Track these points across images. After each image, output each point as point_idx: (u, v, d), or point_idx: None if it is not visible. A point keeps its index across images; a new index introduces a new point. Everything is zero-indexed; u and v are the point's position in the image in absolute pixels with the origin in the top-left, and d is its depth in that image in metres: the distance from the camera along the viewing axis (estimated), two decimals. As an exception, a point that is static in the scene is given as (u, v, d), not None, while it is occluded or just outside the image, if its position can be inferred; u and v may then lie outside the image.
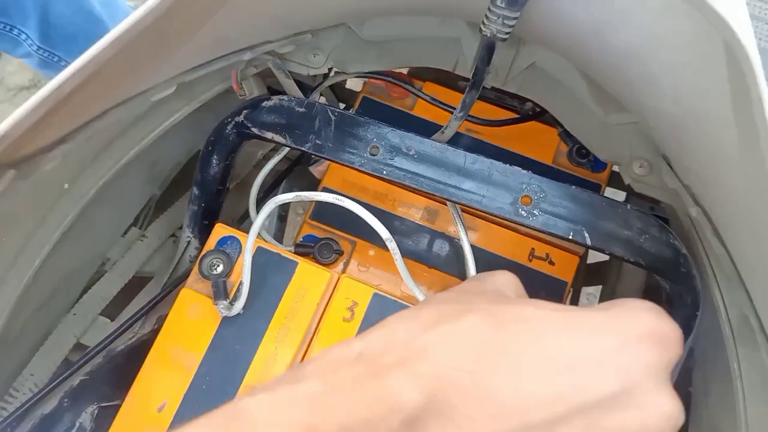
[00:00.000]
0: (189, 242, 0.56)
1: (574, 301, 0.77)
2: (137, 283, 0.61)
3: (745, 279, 0.40)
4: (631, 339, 0.25)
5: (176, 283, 0.54)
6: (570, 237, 0.46)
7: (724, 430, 0.49)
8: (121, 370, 0.52)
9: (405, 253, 0.58)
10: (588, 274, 0.75)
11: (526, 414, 0.24)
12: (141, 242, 0.60)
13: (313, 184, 0.81)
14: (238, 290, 0.48)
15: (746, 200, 0.35)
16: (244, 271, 0.47)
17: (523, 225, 0.46)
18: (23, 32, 0.95)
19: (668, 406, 0.25)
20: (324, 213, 0.62)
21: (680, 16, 0.32)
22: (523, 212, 0.46)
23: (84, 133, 0.38)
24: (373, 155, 0.47)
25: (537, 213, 0.46)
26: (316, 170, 0.85)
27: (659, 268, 0.45)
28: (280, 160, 0.59)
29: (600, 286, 0.71)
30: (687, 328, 0.48)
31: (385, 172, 0.47)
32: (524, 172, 0.47)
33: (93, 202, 0.51)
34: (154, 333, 0.52)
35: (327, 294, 0.50)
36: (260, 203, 0.58)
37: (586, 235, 0.46)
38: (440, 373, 0.24)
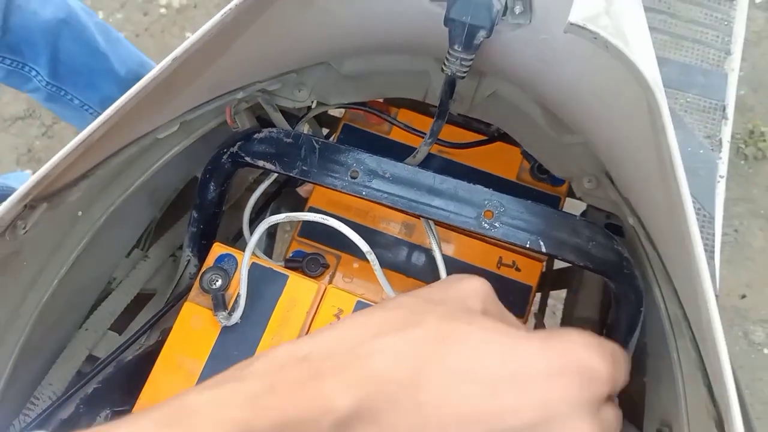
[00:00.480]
0: (189, 261, 0.62)
1: (542, 305, 0.83)
2: (141, 300, 0.66)
3: (672, 277, 0.47)
4: (559, 371, 0.26)
5: (178, 298, 0.60)
6: (527, 246, 0.52)
7: (670, 413, 0.55)
8: (130, 378, 0.57)
9: (385, 264, 0.64)
10: (555, 280, 0.82)
11: (445, 429, 0.25)
12: (144, 262, 0.65)
13: (300, 204, 0.87)
14: (236, 302, 0.54)
15: (665, 210, 0.41)
16: (240, 285, 0.53)
17: (485, 236, 0.53)
18: (34, 69, 1.00)
19: None
20: (311, 230, 0.68)
21: (605, 61, 0.39)
22: (485, 225, 0.53)
23: (102, 169, 0.43)
24: (354, 178, 0.54)
25: (498, 225, 0.53)
26: (302, 190, 0.91)
27: (605, 270, 0.52)
28: (270, 183, 0.65)
29: (565, 290, 0.78)
30: (633, 323, 0.55)
31: (364, 193, 0.54)
32: (486, 189, 0.53)
33: (102, 228, 0.57)
34: (159, 344, 0.57)
35: (315, 303, 0.56)
36: (252, 223, 0.64)
37: (541, 243, 0.52)
38: (375, 382, 0.26)
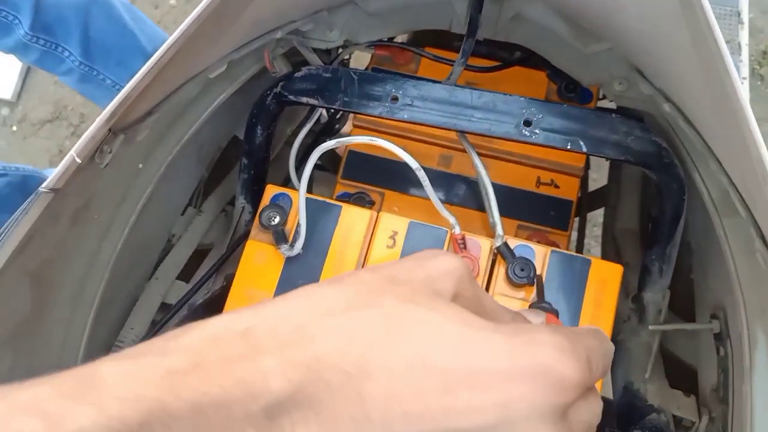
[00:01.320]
0: (243, 208, 0.65)
1: (581, 229, 0.85)
2: (201, 255, 0.70)
3: (715, 151, 0.49)
4: (523, 373, 0.24)
5: (238, 243, 0.63)
6: (568, 147, 0.55)
7: (724, 300, 0.57)
8: (203, 318, 0.60)
9: (426, 195, 0.67)
10: (591, 200, 0.84)
11: (390, 425, 0.23)
12: (199, 217, 0.69)
13: (335, 161, 0.90)
14: (296, 234, 0.57)
15: (702, 83, 0.43)
16: (300, 215, 0.56)
17: (527, 143, 0.55)
18: (66, 49, 1.04)
19: None
20: (353, 171, 0.71)
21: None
22: (526, 132, 0.55)
23: (165, 106, 0.46)
24: (394, 102, 0.56)
25: (538, 131, 0.55)
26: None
27: (646, 162, 0.54)
28: (307, 135, 0.67)
29: (603, 209, 0.80)
30: (678, 212, 0.57)
31: (406, 116, 0.56)
32: (522, 98, 0.56)
33: (160, 182, 0.60)
34: (225, 288, 0.60)
35: (370, 229, 0.58)
36: (297, 170, 0.67)
37: (581, 143, 0.54)
38: (316, 367, 0.23)
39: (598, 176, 1.06)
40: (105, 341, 0.58)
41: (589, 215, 0.85)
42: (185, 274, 0.67)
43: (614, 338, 0.65)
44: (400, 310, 0.25)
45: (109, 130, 0.40)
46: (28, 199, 0.37)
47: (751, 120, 0.35)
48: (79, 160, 0.37)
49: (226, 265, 0.65)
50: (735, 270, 0.53)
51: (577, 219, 0.89)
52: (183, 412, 0.22)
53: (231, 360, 0.23)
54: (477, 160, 0.59)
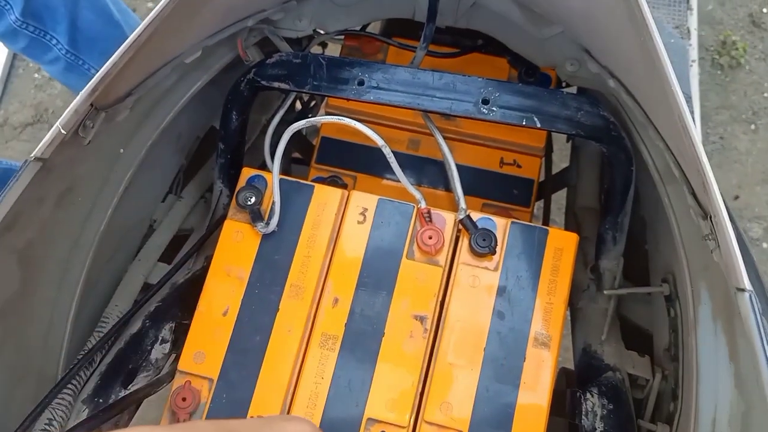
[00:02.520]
0: (221, 191, 0.68)
1: (546, 209, 0.89)
2: (182, 240, 0.73)
3: (653, 120, 0.53)
4: None
5: (216, 224, 0.66)
6: (524, 123, 0.58)
7: (672, 265, 0.61)
8: (186, 297, 0.63)
9: (397, 178, 0.70)
10: (555, 182, 0.88)
11: None
12: (179, 202, 0.72)
13: (310, 152, 0.94)
14: (271, 212, 0.60)
15: (638, 57, 0.47)
16: (274, 193, 0.59)
17: (485, 120, 0.59)
18: (54, 37, 1.06)
19: None
20: (327, 156, 0.74)
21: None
22: (484, 110, 0.59)
23: (143, 89, 0.49)
24: (361, 85, 0.60)
25: (495, 109, 0.59)
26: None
27: (596, 135, 0.58)
28: (280, 123, 0.71)
29: (565, 188, 0.84)
30: (627, 182, 0.61)
31: (372, 97, 0.60)
32: (480, 79, 0.59)
33: (141, 166, 0.63)
34: (205, 269, 0.63)
35: (342, 205, 0.62)
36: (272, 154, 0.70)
37: (536, 119, 0.58)
38: None
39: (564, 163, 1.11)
40: (91, 318, 0.60)
41: (554, 197, 0.89)
42: (167, 258, 0.70)
43: (574, 306, 0.69)
44: None
45: (91, 105, 0.43)
46: (17, 170, 0.40)
47: (672, 79, 0.38)
48: (64, 132, 0.40)
49: (206, 248, 0.68)
50: (679, 233, 0.57)
51: (542, 201, 0.93)
52: None
53: None
54: (439, 137, 0.63)
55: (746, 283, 0.35)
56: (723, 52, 1.44)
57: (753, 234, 1.34)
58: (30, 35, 1.06)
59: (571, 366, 0.72)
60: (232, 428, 0.27)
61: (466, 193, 0.63)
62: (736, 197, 1.37)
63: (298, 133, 0.96)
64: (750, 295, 0.35)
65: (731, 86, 1.43)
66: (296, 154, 1.01)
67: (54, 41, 1.07)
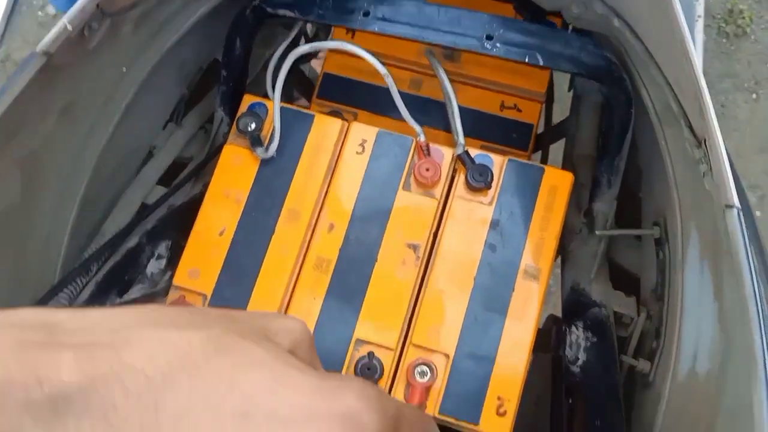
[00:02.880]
0: (221, 119, 0.69)
1: (544, 157, 0.90)
2: (181, 169, 0.73)
3: (655, 57, 0.53)
4: (322, 414, 0.23)
5: (216, 151, 0.67)
6: (526, 60, 0.59)
7: (665, 209, 0.62)
8: (183, 219, 0.64)
9: (399, 116, 0.71)
10: (553, 133, 0.89)
11: None
12: (179, 130, 0.72)
13: (311, 91, 0.94)
14: (271, 137, 0.61)
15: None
16: (275, 117, 0.60)
17: (488, 55, 0.59)
18: None
19: None
20: (328, 91, 0.75)
21: None
22: (488, 45, 0.59)
23: (148, 4, 0.50)
24: (366, 16, 0.60)
25: (499, 45, 0.59)
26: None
27: (597, 75, 0.59)
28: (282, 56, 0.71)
29: (563, 139, 0.85)
30: (625, 124, 0.61)
31: (377, 28, 0.60)
32: (485, 14, 0.60)
33: (143, 89, 0.63)
34: (203, 194, 0.64)
35: (341, 135, 0.62)
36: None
37: (538, 57, 0.59)
38: (120, 367, 0.22)
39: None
40: (89, 233, 0.62)
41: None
42: (166, 185, 0.71)
43: (565, 248, 0.70)
44: (223, 337, 0.24)
45: (98, 6, 0.43)
46: (22, 63, 0.41)
47: (676, 5, 0.39)
48: (69, 27, 0.40)
49: (204, 174, 0.69)
50: (673, 174, 0.58)
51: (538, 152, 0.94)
52: None
53: (25, 345, 0.22)
54: (441, 72, 0.63)
55: (735, 200, 0.36)
56: (729, 21, 1.44)
57: (747, 203, 1.35)
58: None
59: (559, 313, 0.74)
60: (235, 316, 0.27)
61: (465, 134, 0.63)
62: (733, 166, 1.38)
63: (299, 73, 0.96)
64: (737, 212, 0.36)
65: (736, 55, 1.43)
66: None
67: None
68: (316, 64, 1.12)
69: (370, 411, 0.24)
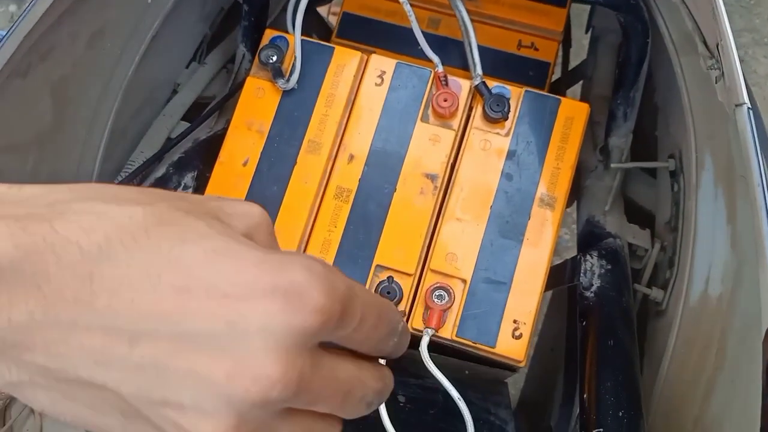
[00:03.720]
0: (244, 55, 0.70)
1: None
2: (203, 108, 0.75)
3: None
4: (263, 288, 0.22)
5: (239, 87, 0.68)
6: (544, -10, 0.59)
7: (680, 141, 0.63)
8: (207, 152, 0.66)
9: (417, 54, 0.72)
10: (571, 77, 0.89)
11: (114, 315, 0.21)
12: (202, 68, 0.74)
13: (325, 29, 0.95)
14: (293, 69, 0.62)
15: None
16: (296, 48, 0.61)
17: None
18: None
19: (264, 369, 0.22)
20: (347, 31, 0.76)
21: None
22: (506, -25, 0.60)
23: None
24: (385, -54, 0.61)
25: (517, -25, 0.60)
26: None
27: (614, 3, 0.59)
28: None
29: (581, 82, 0.85)
30: (642, 53, 0.62)
31: (396, -41, 0.60)
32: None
33: (166, 22, 0.65)
34: (226, 129, 0.66)
35: (361, 68, 0.63)
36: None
37: (556, -14, 0.59)
38: (54, 238, 0.21)
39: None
40: (118, 163, 0.64)
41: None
42: (190, 121, 0.73)
43: (581, 185, 0.71)
44: (167, 212, 0.23)
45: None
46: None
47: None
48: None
49: (227, 110, 0.70)
50: (689, 103, 0.58)
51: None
52: None
53: None
54: (461, 6, 0.64)
55: (745, 98, 0.37)
56: (751, -26, 1.42)
57: (765, 158, 1.35)
58: None
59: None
60: (186, 197, 0.26)
61: (483, 72, 0.64)
62: (752, 121, 1.37)
63: (318, 17, 0.97)
64: (748, 109, 0.37)
65: (756, 9, 1.41)
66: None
67: None
68: (333, 19, 1.12)
69: (315, 286, 0.22)
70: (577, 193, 0.73)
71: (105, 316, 0.21)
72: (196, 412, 0.22)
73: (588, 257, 0.61)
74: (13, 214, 0.21)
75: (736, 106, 0.38)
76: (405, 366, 0.58)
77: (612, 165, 0.65)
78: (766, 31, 1.42)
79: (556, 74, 0.83)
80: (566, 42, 0.89)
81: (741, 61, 1.42)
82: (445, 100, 0.61)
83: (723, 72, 0.41)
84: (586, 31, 0.83)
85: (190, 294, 0.21)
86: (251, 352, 0.21)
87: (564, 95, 0.92)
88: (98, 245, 0.21)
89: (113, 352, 0.21)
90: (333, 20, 1.13)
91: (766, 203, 0.36)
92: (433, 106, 0.62)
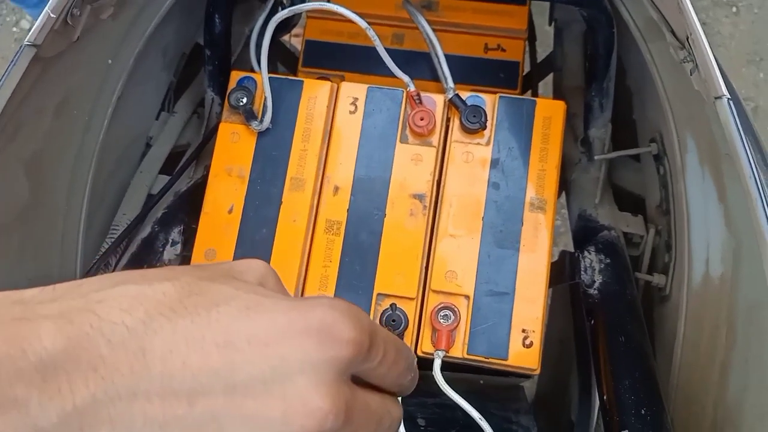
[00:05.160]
0: (213, 100, 0.69)
1: (534, 96, 0.91)
2: (179, 157, 0.74)
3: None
4: (297, 330, 0.25)
5: (212, 132, 0.67)
6: (503, -7, 0.59)
7: (659, 125, 0.63)
8: (189, 203, 0.65)
9: (387, 72, 0.71)
10: (540, 69, 0.89)
11: (171, 378, 0.23)
12: (173, 117, 0.73)
13: (291, 59, 0.94)
14: (264, 109, 0.61)
15: None
16: (264, 87, 0.60)
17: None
18: None
19: (315, 403, 0.24)
20: (313, 59, 0.75)
21: None
22: (464, -14, 0.59)
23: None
24: (339, -27, 0.60)
25: (474, -16, 0.59)
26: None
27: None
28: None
29: (551, 74, 0.85)
30: (608, 45, 0.62)
31: (351, -16, 0.60)
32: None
33: (131, 79, 0.64)
34: (206, 177, 0.65)
35: (332, 97, 0.63)
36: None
37: (515, -11, 0.59)
38: (98, 323, 0.23)
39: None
40: (101, 228, 0.63)
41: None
42: (167, 173, 0.72)
43: (567, 179, 0.71)
44: (193, 283, 0.26)
45: (78, -9, 0.44)
46: (13, 57, 0.41)
47: None
48: (53, 16, 0.41)
49: (204, 157, 0.69)
50: (663, 88, 0.58)
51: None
52: None
53: (7, 321, 0.23)
54: (423, 22, 0.63)
55: (724, 90, 0.37)
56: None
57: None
58: None
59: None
60: (200, 266, 0.29)
61: (454, 81, 0.64)
62: (723, 82, 1.39)
63: (282, 46, 0.96)
64: (728, 101, 0.37)
65: (711, -29, 1.43)
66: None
67: None
68: (296, 42, 1.12)
69: (344, 321, 0.25)
70: (563, 186, 0.73)
71: (162, 382, 0.23)
72: None
73: (586, 253, 0.61)
74: (54, 311, 0.23)
75: (716, 98, 0.38)
76: (418, 385, 0.58)
77: (595, 157, 0.65)
78: (724, -9, 1.43)
79: (526, 68, 0.83)
80: (531, 36, 0.89)
81: (703, 23, 1.43)
82: (422, 119, 0.61)
83: (697, 64, 0.41)
84: (549, 24, 0.83)
85: (233, 348, 0.24)
86: (299, 390, 0.24)
87: (536, 88, 0.93)
88: (142, 321, 0.23)
89: (174, 414, 0.23)
90: (296, 42, 1.13)
91: (760, 193, 0.36)
92: (410, 125, 0.61)
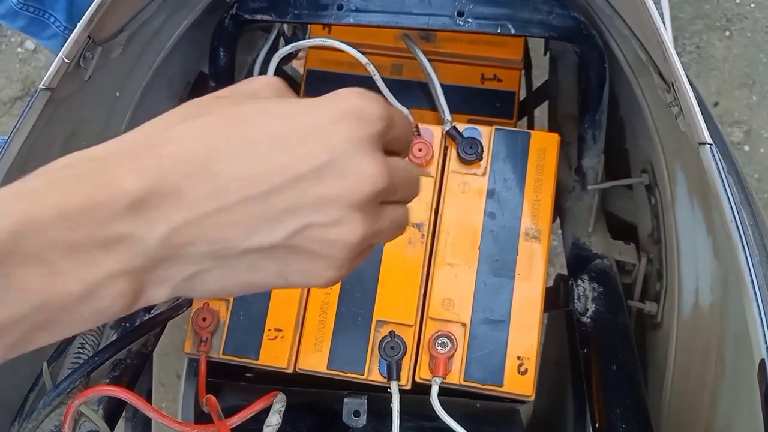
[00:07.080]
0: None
1: (530, 123, 0.93)
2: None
3: (619, 11, 0.55)
4: (336, 119, 0.28)
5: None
6: (498, 31, 0.61)
7: (650, 156, 0.65)
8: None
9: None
10: (536, 97, 0.91)
11: (246, 189, 0.27)
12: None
13: (293, 86, 0.96)
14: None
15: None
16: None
17: (462, 32, 0.62)
18: (53, 15, 1.09)
19: (366, 169, 0.28)
20: (314, 88, 0.77)
21: None
22: (460, 22, 0.61)
23: (134, 24, 0.52)
24: (340, 9, 0.62)
25: (470, 20, 0.61)
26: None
27: (568, 36, 0.61)
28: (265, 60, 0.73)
29: (546, 101, 0.87)
30: (601, 78, 0.64)
31: (352, 20, 0.62)
32: (454, -7, 0.62)
33: (137, 110, 0.66)
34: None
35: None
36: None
37: (510, 26, 0.61)
38: (167, 163, 0.26)
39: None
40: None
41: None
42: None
43: (562, 207, 0.73)
44: (232, 110, 0.29)
45: (89, 37, 0.45)
46: (28, 101, 0.43)
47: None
48: (67, 61, 0.42)
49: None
50: (653, 121, 0.60)
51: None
52: (49, 218, 0.24)
53: (84, 176, 0.26)
54: (418, 52, 0.65)
55: (706, 137, 0.39)
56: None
57: (734, 138, 1.38)
58: (30, 15, 1.09)
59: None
60: (215, 93, 0.32)
61: (451, 110, 0.66)
62: (716, 104, 1.40)
63: (282, 74, 0.98)
64: (710, 147, 0.39)
65: (704, -5, 1.45)
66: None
67: (52, 19, 1.10)
68: (297, 65, 1.14)
69: (369, 103, 0.29)
70: (558, 212, 0.75)
71: (239, 193, 0.27)
72: (334, 224, 0.28)
73: (580, 282, 0.63)
74: (123, 159, 0.26)
75: (699, 144, 0.40)
76: (415, 410, 0.59)
77: (589, 187, 0.67)
78: (717, 15, 1.45)
79: (522, 94, 0.85)
80: (527, 64, 0.91)
81: (696, 47, 1.46)
82: (420, 150, 0.63)
83: (681, 110, 0.43)
84: (545, 54, 0.85)
85: (291, 148, 0.28)
86: (352, 166, 0.28)
87: (532, 116, 0.95)
88: (204, 153, 0.27)
89: (257, 214, 0.27)
90: (297, 66, 1.15)
91: (741, 237, 0.37)
92: (408, 156, 0.63)
